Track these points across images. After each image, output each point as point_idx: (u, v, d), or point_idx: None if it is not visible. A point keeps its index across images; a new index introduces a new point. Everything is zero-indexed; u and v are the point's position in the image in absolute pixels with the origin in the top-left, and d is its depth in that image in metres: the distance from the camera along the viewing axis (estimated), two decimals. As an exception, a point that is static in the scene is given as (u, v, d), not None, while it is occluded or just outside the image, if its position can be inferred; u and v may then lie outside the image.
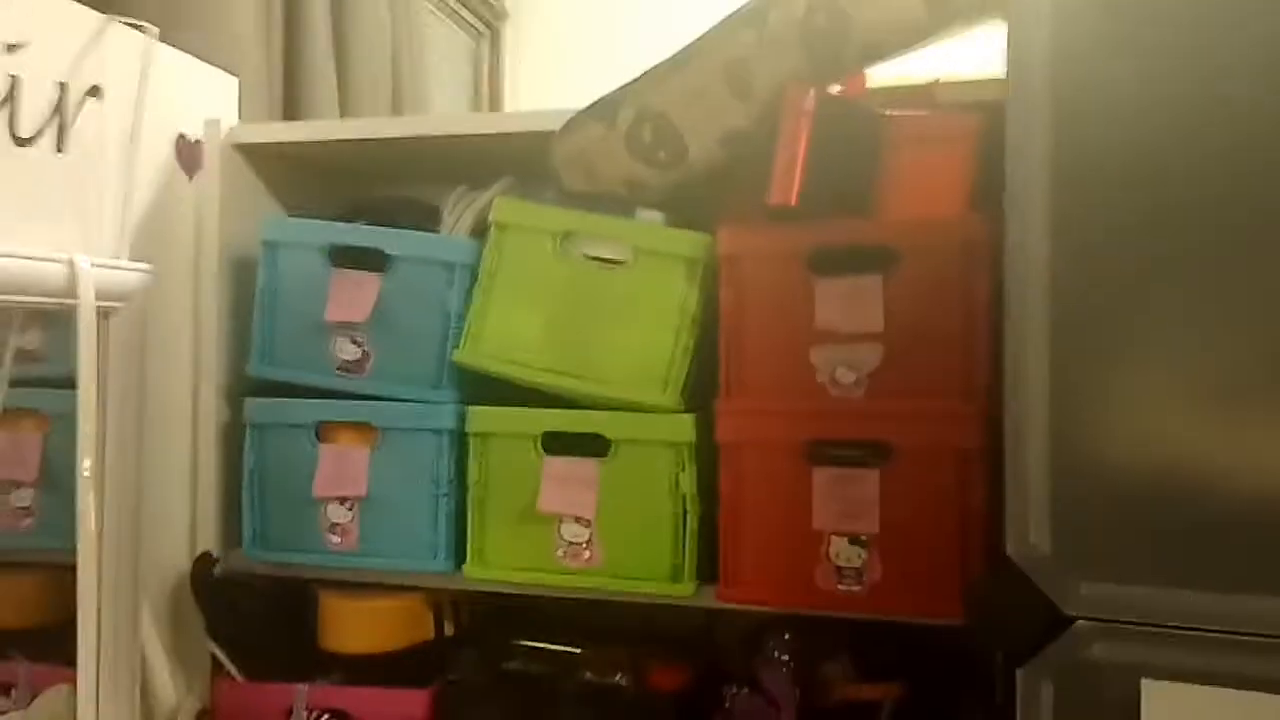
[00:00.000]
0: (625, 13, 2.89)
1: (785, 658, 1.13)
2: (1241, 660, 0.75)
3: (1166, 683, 0.77)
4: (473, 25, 2.91)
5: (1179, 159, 0.77)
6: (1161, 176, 0.77)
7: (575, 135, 1.14)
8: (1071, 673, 0.79)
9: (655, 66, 1.10)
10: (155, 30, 1.21)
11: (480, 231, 1.24)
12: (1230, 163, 0.76)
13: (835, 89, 1.11)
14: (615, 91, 1.12)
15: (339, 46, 1.96)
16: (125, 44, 1.19)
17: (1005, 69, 0.82)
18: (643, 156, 1.11)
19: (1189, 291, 0.77)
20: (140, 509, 1.16)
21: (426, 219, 1.31)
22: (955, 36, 1.08)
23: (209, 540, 1.30)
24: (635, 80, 1.11)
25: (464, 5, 2.82)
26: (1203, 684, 0.76)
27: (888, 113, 1.09)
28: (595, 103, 1.13)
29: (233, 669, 1.26)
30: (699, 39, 1.09)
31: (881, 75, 1.15)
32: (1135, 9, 0.79)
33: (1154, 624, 0.78)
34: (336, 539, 1.24)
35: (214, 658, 1.27)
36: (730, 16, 1.08)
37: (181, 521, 1.30)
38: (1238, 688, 0.75)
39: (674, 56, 1.09)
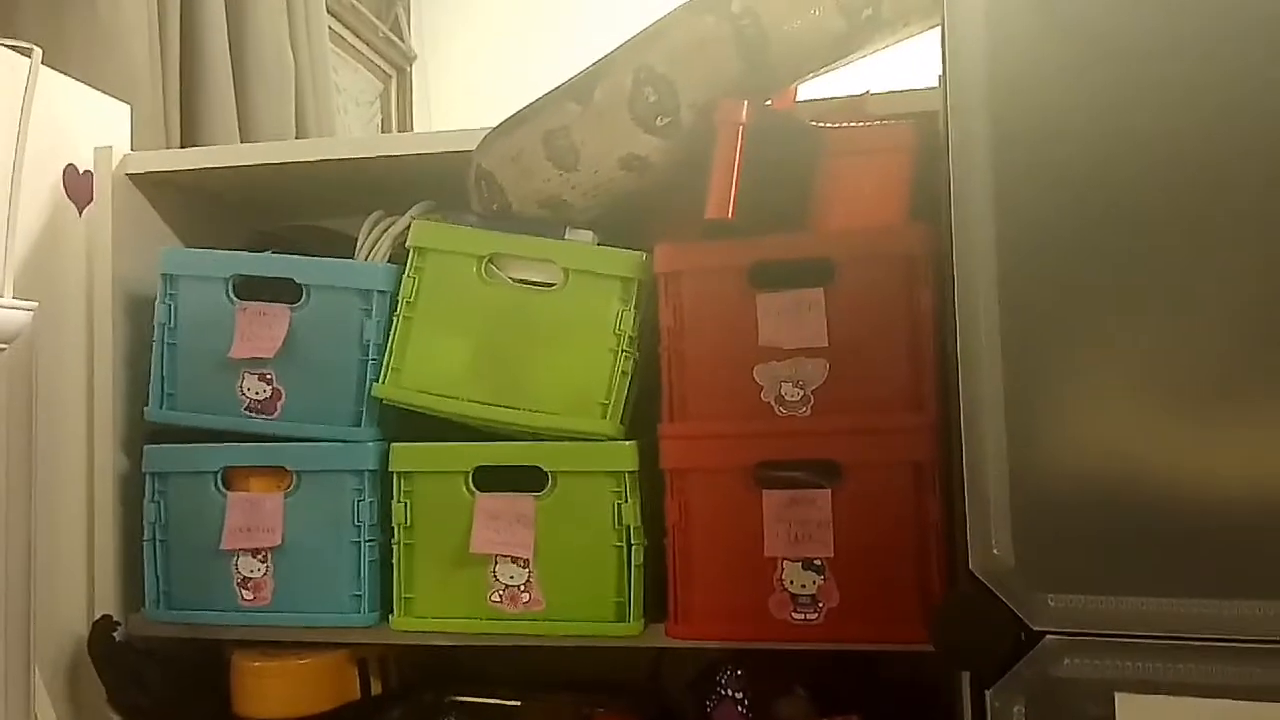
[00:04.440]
0: (535, 56, 2.88)
1: (739, 695, 1.09)
2: (1215, 668, 0.74)
3: (1141, 696, 0.75)
4: (380, 68, 2.89)
5: (1124, 157, 0.76)
6: (1107, 176, 0.77)
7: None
8: (1043, 690, 0.77)
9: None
10: (39, 52, 1.13)
11: (399, 259, 1.19)
12: (1177, 158, 0.75)
13: (768, 103, 1.09)
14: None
15: (240, 93, 1.89)
16: (6, 67, 1.12)
17: (941, 77, 0.81)
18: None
19: (1142, 292, 0.76)
20: (32, 569, 1.07)
21: (338, 249, 1.26)
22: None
23: (108, 602, 1.22)
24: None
25: (371, 48, 2.80)
26: (1179, 695, 0.75)
27: (824, 125, 1.08)
28: None
29: (137, 744, 1.18)
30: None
31: (809, 91, 1.14)
32: (1068, 8, 0.78)
33: (1126, 635, 0.76)
34: (249, 595, 1.17)
35: (116, 732, 1.19)
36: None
37: (78, 582, 1.23)
38: (1214, 696, 0.74)
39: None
